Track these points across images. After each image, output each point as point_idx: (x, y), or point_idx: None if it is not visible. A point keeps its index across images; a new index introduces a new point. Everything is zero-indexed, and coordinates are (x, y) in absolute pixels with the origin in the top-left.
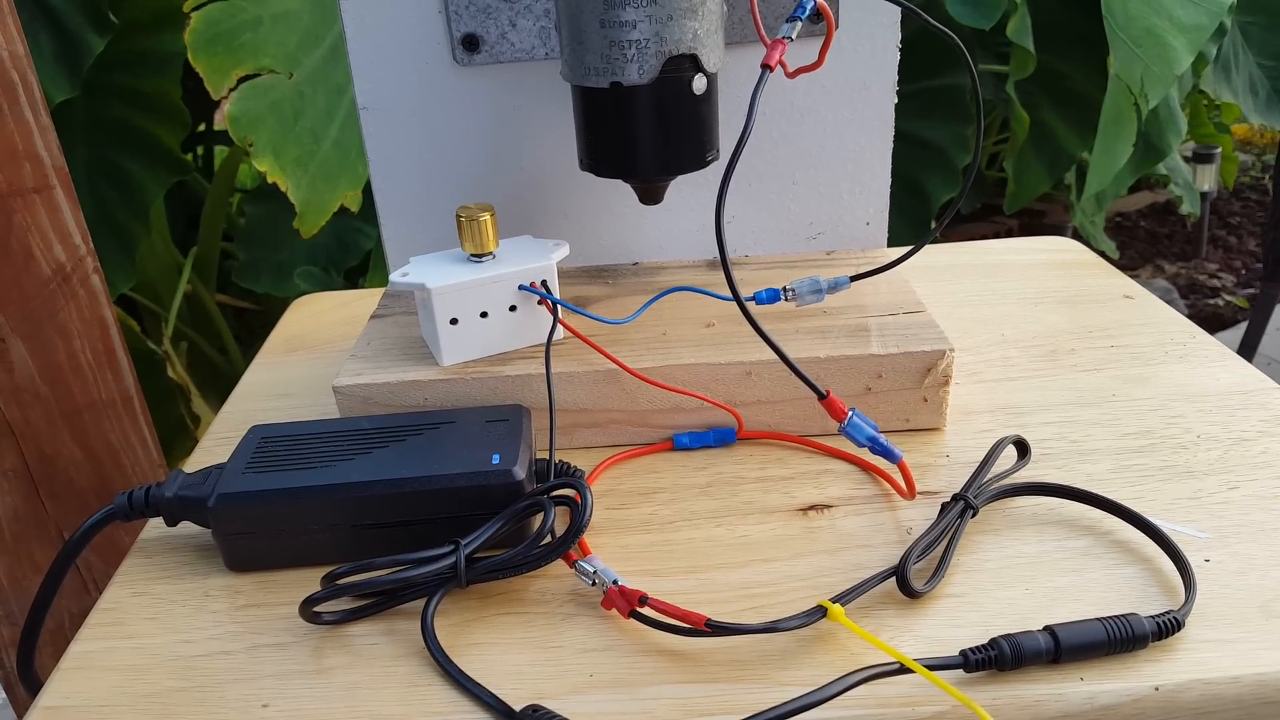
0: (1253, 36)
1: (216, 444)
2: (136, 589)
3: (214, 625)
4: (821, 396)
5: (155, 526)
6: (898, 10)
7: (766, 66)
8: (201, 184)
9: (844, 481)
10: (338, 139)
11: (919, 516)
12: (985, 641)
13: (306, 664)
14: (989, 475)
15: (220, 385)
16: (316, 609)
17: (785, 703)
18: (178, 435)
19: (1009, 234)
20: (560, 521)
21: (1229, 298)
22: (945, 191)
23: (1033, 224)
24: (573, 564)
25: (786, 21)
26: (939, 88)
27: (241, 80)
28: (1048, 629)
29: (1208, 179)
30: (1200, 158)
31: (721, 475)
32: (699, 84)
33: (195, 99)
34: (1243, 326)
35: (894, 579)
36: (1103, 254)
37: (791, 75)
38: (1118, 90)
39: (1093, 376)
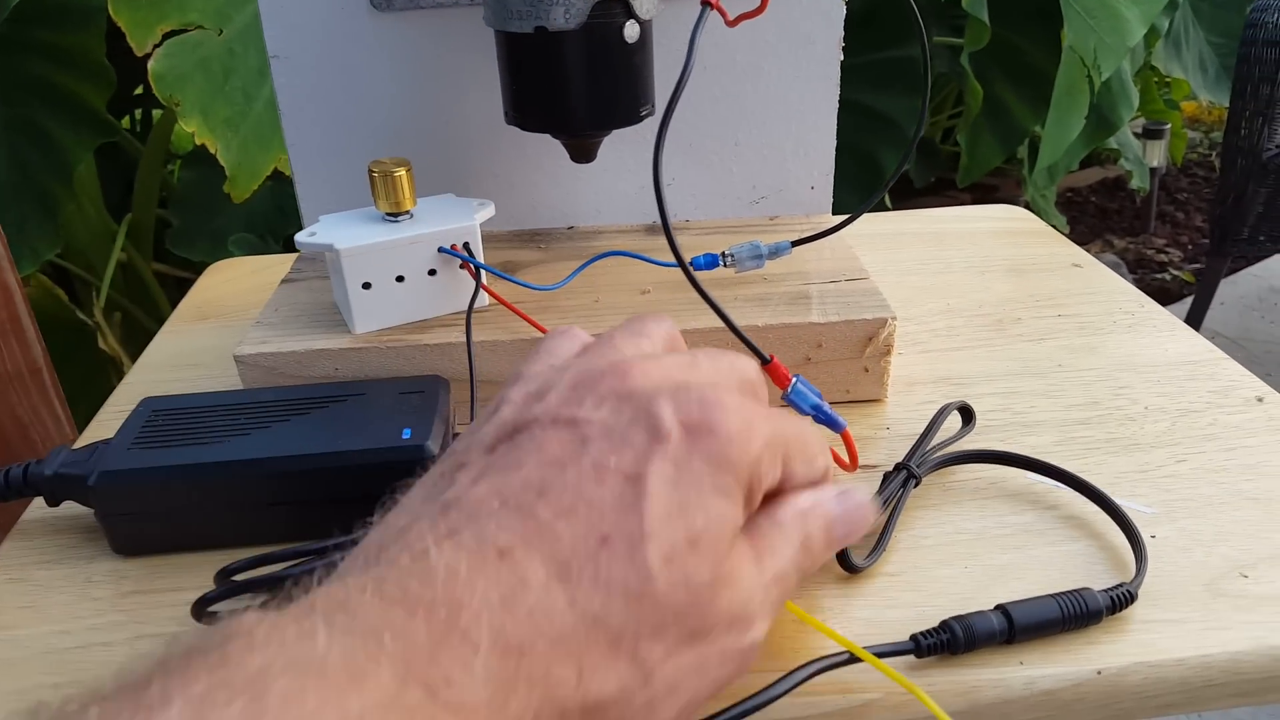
0: (1203, 14)
1: (114, 417)
2: (12, 574)
3: (95, 614)
4: (765, 362)
5: (39, 507)
6: None
7: (707, 4)
8: (138, 148)
9: None
10: (270, 99)
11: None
12: (936, 625)
13: None
14: (932, 443)
15: (135, 339)
16: (212, 609)
17: (732, 706)
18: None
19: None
20: None
21: (1176, 272)
22: (897, 163)
23: (985, 199)
24: None
25: None
26: (894, 59)
27: (167, 36)
28: (1000, 608)
29: (1157, 155)
30: (1150, 134)
31: None
32: (631, 31)
33: (131, 59)
34: (1189, 301)
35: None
36: (1054, 227)
37: (732, 23)
38: (1071, 62)
39: (1039, 346)
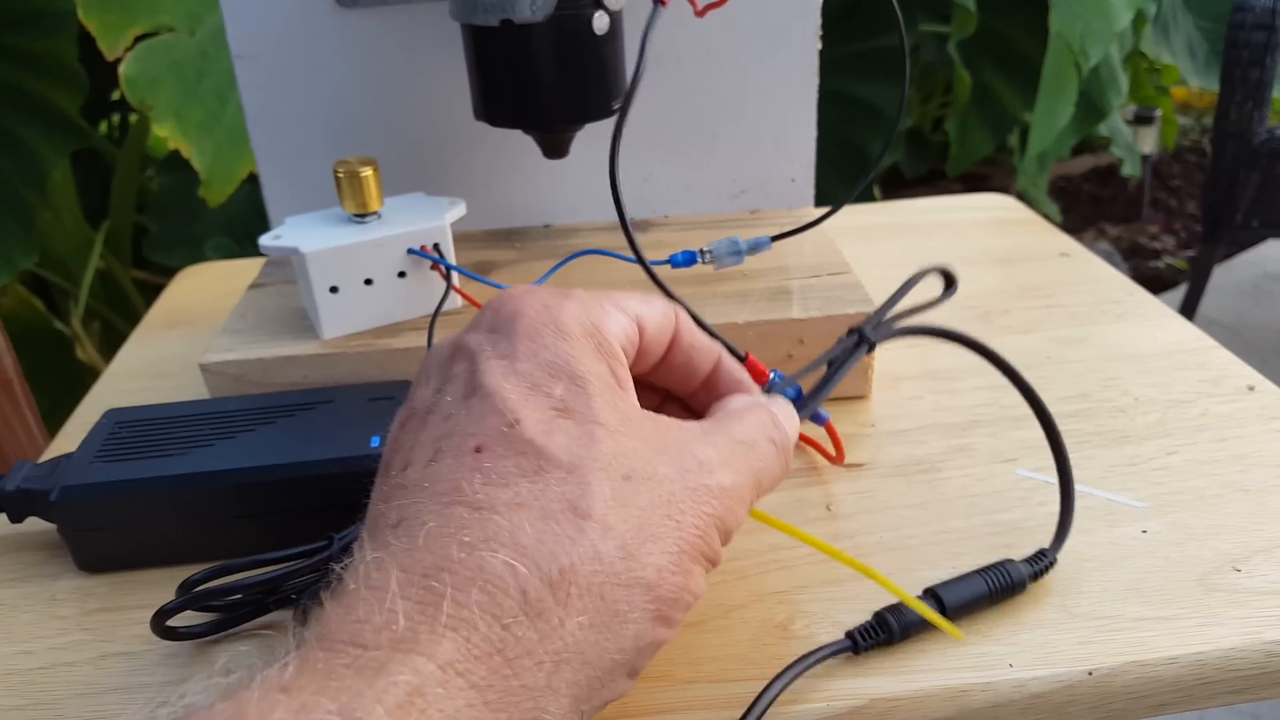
0: None
1: (81, 430)
2: None
3: (59, 633)
4: (741, 359)
5: (1, 524)
6: None
7: (659, 2)
8: (115, 154)
9: None
10: None
11: (844, 491)
12: (869, 620)
13: (157, 675)
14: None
15: (111, 341)
16: (171, 623)
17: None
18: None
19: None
20: None
21: (1170, 260)
22: (887, 154)
23: (977, 188)
24: None
25: None
26: (879, 49)
27: (138, 39)
28: (929, 592)
29: (1148, 141)
30: (1141, 120)
31: None
32: (600, 22)
33: (105, 64)
34: (1183, 288)
35: None
36: (1046, 216)
37: (700, 13)
38: (1058, 49)
39: (1027, 338)
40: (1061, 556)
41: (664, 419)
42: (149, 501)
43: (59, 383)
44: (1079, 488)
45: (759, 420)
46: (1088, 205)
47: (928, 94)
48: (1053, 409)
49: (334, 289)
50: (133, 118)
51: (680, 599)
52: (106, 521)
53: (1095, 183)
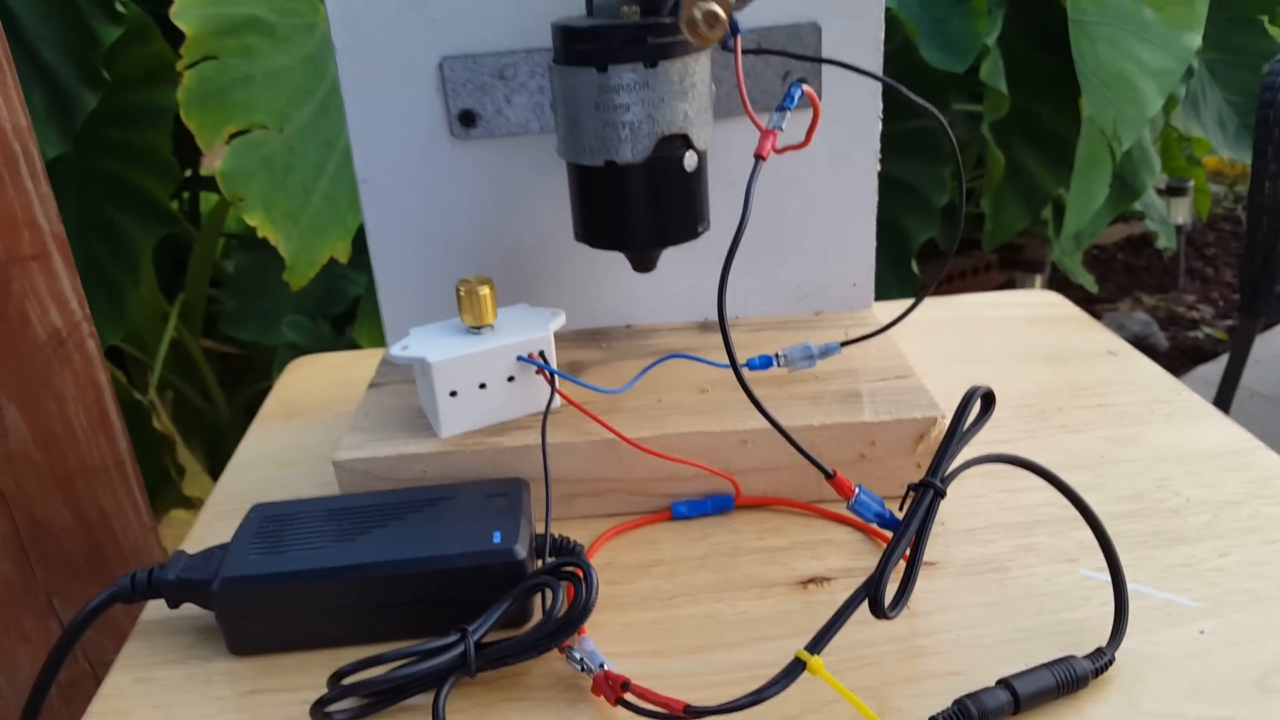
0: (1219, 73)
1: (215, 518)
2: (139, 674)
3: (218, 714)
4: (829, 476)
5: (155, 607)
6: (879, 83)
7: (759, 157)
8: (188, 229)
9: (842, 551)
10: (328, 192)
11: (921, 590)
12: (950, 707)
13: None
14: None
15: (205, 433)
16: (328, 710)
17: None
18: (162, 486)
19: (987, 268)
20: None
21: (1208, 330)
22: (923, 229)
23: (1012, 258)
24: (563, 649)
25: (776, 111)
26: (915, 129)
27: (233, 136)
28: (1004, 683)
29: (1182, 212)
30: (1173, 191)
31: (720, 545)
32: (690, 161)
33: (180, 144)
34: (1224, 359)
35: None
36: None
37: (780, 152)
38: (1091, 133)
39: (1081, 437)
40: (1124, 655)
41: None
42: (299, 593)
43: (136, 449)
44: (1137, 587)
45: None
46: (1123, 274)
47: (960, 166)
48: (1108, 509)
49: (453, 393)
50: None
51: None
52: (261, 610)
53: (1130, 252)
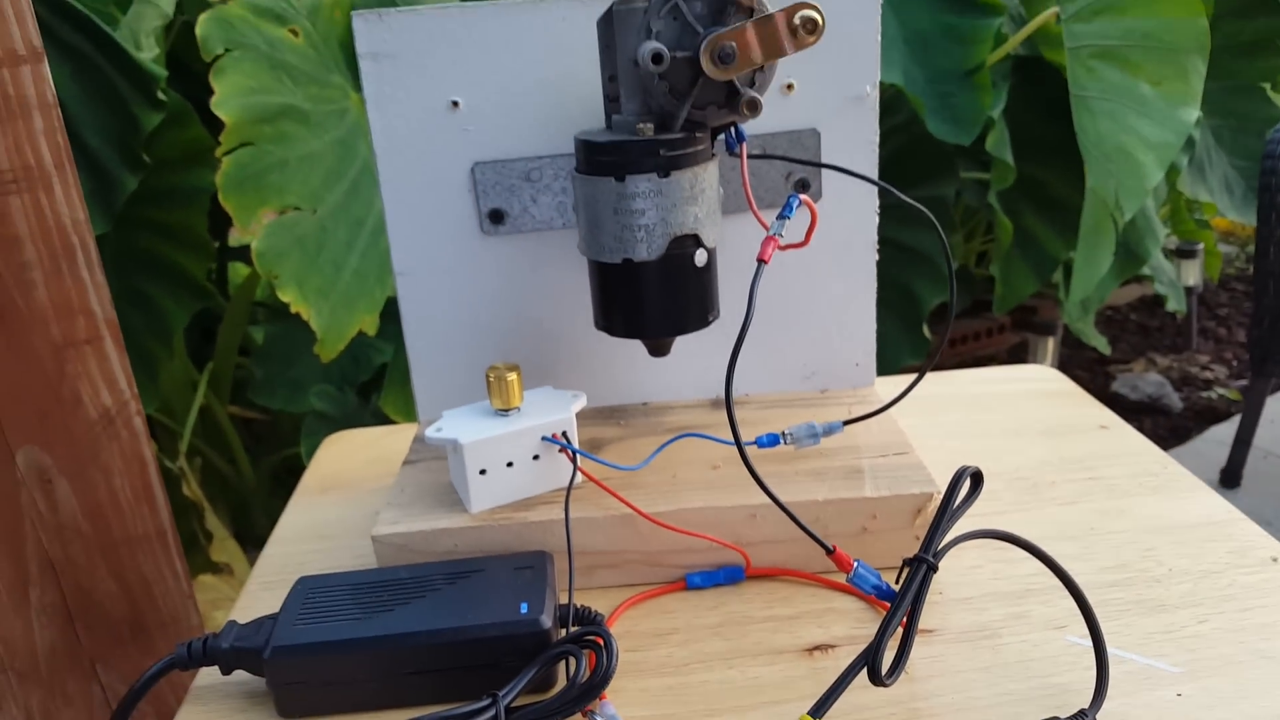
0: (1224, 139)
1: (261, 588)
2: None
3: None
4: (829, 551)
5: (208, 674)
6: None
7: (762, 260)
8: (218, 300)
9: (846, 620)
10: (357, 268)
11: (919, 655)
12: None
13: None
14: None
15: (229, 498)
16: None
17: None
18: (190, 551)
19: (1001, 330)
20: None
21: (1222, 390)
22: (932, 294)
23: (1025, 320)
24: (586, 713)
25: (777, 219)
26: (923, 198)
27: (268, 218)
28: None
29: (1193, 274)
30: (1184, 253)
31: (732, 615)
32: (700, 258)
33: (211, 217)
34: (1237, 420)
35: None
36: (1095, 350)
37: (783, 250)
38: (1095, 204)
39: (1072, 510)
40: (1105, 717)
41: None
42: (344, 660)
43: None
44: (1119, 653)
45: None
46: (1137, 335)
47: (970, 232)
48: (1095, 578)
49: (483, 471)
50: (235, 267)
51: None
52: (309, 677)
53: (1143, 313)
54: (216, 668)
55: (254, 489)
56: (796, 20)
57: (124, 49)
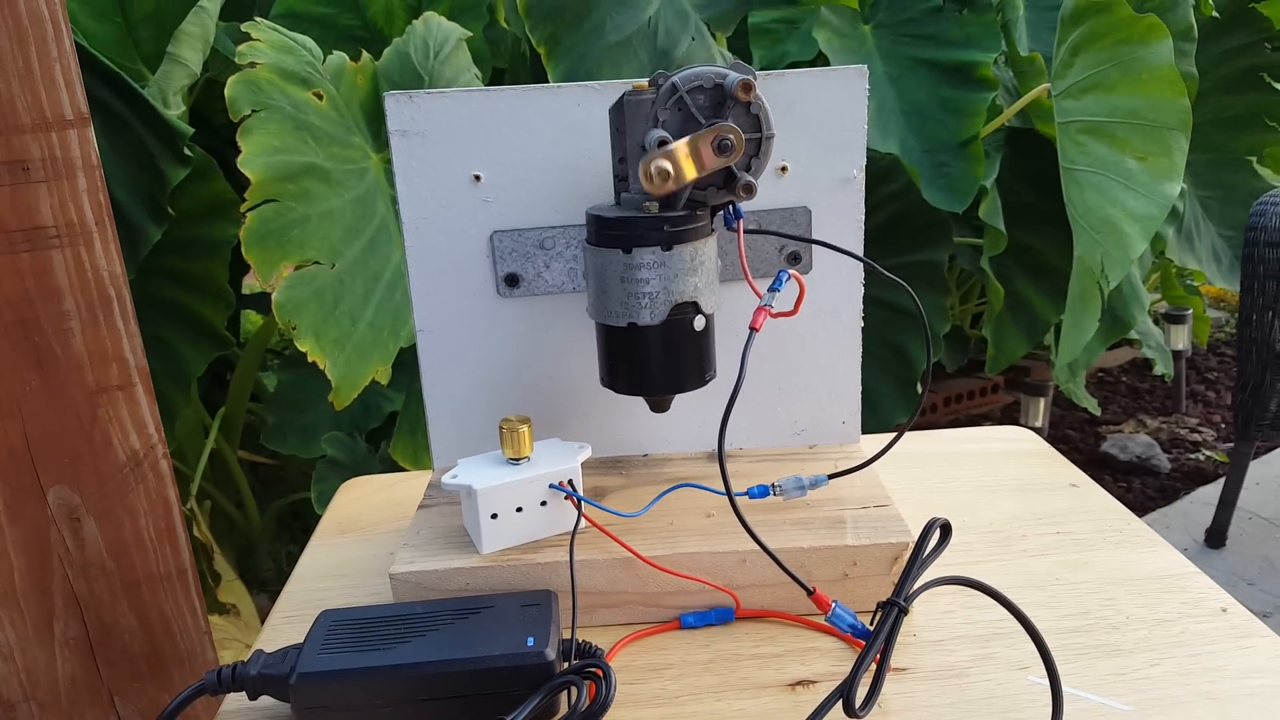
0: (1212, 210)
1: (283, 621)
2: None
3: None
4: (809, 593)
5: (234, 700)
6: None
7: (753, 329)
8: (232, 346)
9: (827, 658)
10: (372, 320)
11: (891, 691)
12: None
13: None
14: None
15: (235, 540)
16: None
17: None
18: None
19: (995, 389)
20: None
21: (1209, 453)
22: (925, 354)
23: (1017, 380)
24: None
25: (768, 291)
26: (916, 262)
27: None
28: None
29: (1181, 339)
30: (1172, 319)
31: (722, 652)
32: (699, 323)
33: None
34: (1223, 480)
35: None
36: (1085, 411)
37: (774, 317)
38: (1082, 272)
39: (1039, 561)
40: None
41: None
42: (364, 687)
43: None
44: (1076, 692)
45: None
46: (1127, 397)
47: (965, 294)
48: (1057, 624)
49: (494, 515)
50: (248, 315)
51: None
52: (331, 702)
53: (1134, 375)
54: (244, 694)
55: (260, 532)
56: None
57: (153, 106)
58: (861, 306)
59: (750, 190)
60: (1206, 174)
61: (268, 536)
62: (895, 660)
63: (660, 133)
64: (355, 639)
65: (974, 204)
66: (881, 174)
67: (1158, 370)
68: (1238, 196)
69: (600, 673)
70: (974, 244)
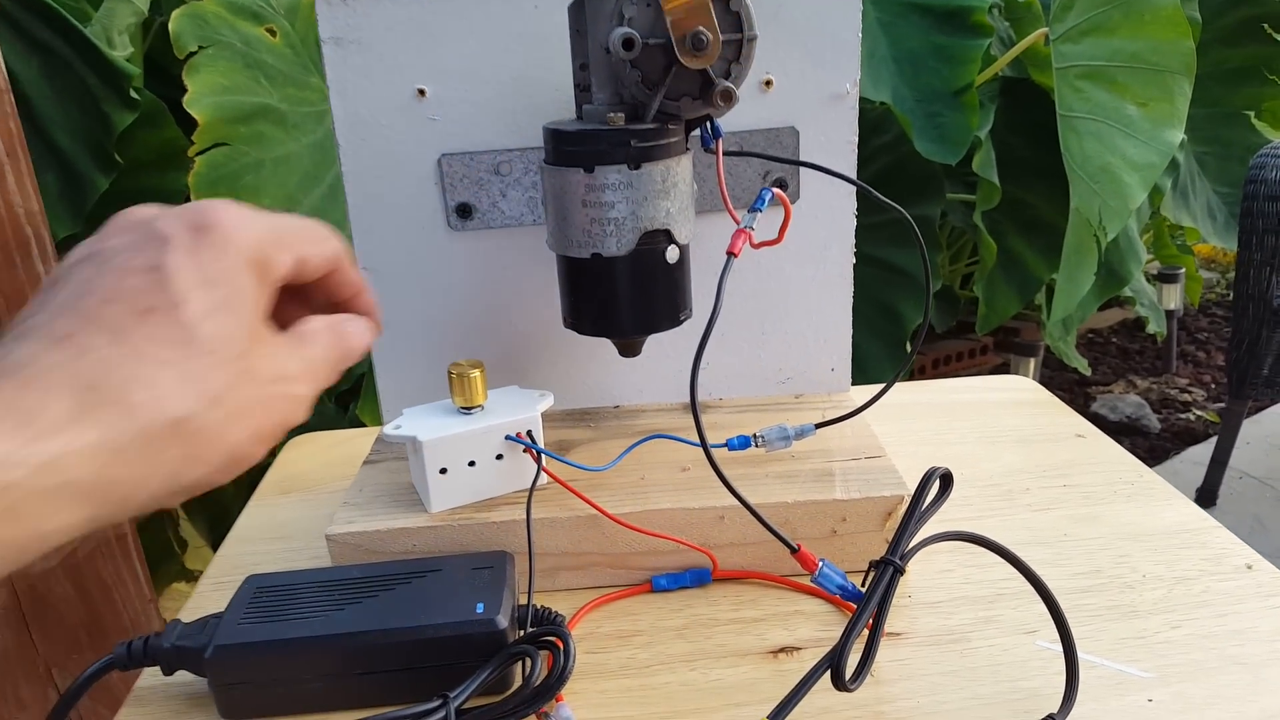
0: (1209, 166)
1: (213, 588)
2: None
3: None
4: (794, 551)
5: (151, 674)
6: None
7: (731, 254)
8: None
9: (813, 622)
10: None
11: (885, 659)
12: None
13: None
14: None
15: (207, 507)
16: None
17: None
18: (164, 559)
19: (984, 351)
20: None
21: (1199, 413)
22: (915, 313)
23: (1007, 341)
24: (540, 715)
25: (748, 212)
26: (910, 218)
27: None
28: None
29: (1173, 298)
30: (1165, 278)
31: (697, 617)
32: (672, 254)
33: None
34: (1214, 441)
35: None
36: (1075, 371)
37: (756, 247)
38: (1078, 223)
39: (1045, 516)
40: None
41: (274, 337)
42: (290, 660)
43: (139, 522)
44: (1091, 658)
45: (328, 342)
46: (1117, 358)
47: (956, 254)
48: (1068, 584)
49: (443, 470)
50: None
51: (246, 461)
52: (252, 677)
53: (1124, 336)
54: (159, 668)
55: (231, 499)
56: None
57: (95, 45)
58: (854, 241)
59: (729, 98)
60: (1204, 128)
61: (240, 502)
62: (890, 625)
63: (626, 31)
64: (281, 607)
65: (965, 158)
66: (873, 125)
67: (1150, 329)
68: (1235, 152)
69: (559, 641)
70: (966, 200)
